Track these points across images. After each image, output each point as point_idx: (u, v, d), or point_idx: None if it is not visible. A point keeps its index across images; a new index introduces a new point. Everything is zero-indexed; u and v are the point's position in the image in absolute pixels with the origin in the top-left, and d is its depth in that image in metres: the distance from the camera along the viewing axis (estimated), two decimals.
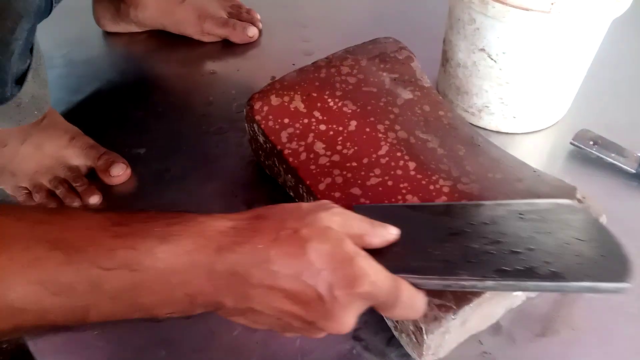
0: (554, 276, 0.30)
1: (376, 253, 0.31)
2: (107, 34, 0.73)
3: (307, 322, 0.31)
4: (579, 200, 0.43)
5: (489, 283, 0.31)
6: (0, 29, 0.40)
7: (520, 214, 0.36)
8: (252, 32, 0.70)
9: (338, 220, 0.31)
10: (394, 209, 0.37)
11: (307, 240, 0.29)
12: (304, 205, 0.32)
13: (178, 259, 0.28)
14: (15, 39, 0.42)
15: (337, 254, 0.29)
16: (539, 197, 0.43)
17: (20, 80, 0.48)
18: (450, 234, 0.34)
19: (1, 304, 0.26)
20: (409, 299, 0.32)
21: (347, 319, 0.31)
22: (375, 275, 0.30)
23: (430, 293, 0.38)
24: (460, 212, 0.37)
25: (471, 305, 0.38)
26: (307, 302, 0.29)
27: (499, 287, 0.31)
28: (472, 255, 0.32)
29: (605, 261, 0.31)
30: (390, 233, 0.33)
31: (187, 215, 0.30)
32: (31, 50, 0.48)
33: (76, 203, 0.53)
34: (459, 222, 0.35)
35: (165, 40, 0.71)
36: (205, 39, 0.71)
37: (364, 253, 0.31)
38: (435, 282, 0.32)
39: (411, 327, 0.39)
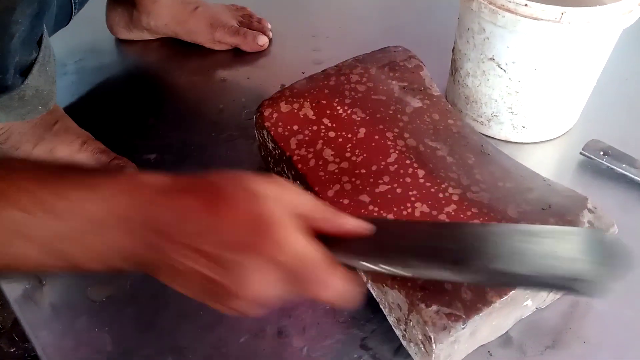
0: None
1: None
2: (120, 42, 0.74)
3: (224, 287, 0.29)
4: (590, 211, 0.43)
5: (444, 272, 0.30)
6: None
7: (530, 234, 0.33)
8: (263, 40, 0.71)
9: (275, 189, 0.30)
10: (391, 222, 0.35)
11: (232, 201, 0.29)
12: (248, 173, 0.31)
13: (101, 210, 0.28)
14: (15, 22, 0.41)
15: (258, 220, 0.29)
16: (549, 206, 0.43)
17: (25, 73, 0.47)
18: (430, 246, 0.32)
19: None
20: (335, 279, 0.30)
21: (257, 286, 0.29)
22: (293, 244, 0.29)
23: (440, 302, 0.38)
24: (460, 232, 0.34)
25: (481, 314, 0.37)
26: (221, 264, 0.29)
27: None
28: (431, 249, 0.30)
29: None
30: (348, 223, 0.31)
31: (124, 172, 0.29)
32: (40, 44, 0.48)
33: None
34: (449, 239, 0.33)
35: (177, 48, 0.72)
36: (217, 47, 0.71)
37: (289, 222, 0.29)
38: (368, 266, 0.30)
39: (420, 337, 0.38)
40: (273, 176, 0.32)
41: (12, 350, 0.74)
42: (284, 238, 0.29)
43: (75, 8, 0.63)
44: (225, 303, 0.31)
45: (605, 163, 0.55)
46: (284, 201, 0.30)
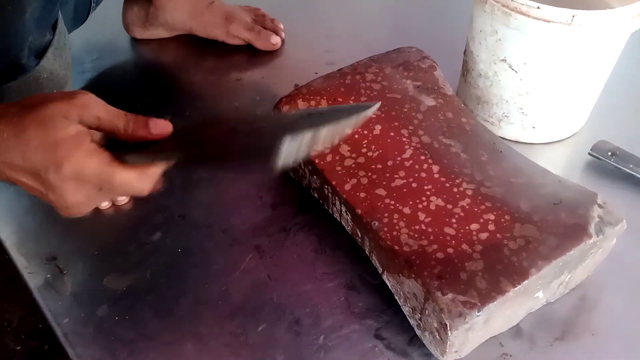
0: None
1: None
2: (136, 41, 0.75)
3: (42, 193, 0.36)
4: (600, 206, 0.44)
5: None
6: None
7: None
8: (275, 40, 0.73)
9: (77, 110, 0.36)
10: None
11: (28, 125, 0.34)
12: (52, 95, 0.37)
13: None
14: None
15: (52, 140, 0.34)
16: (560, 201, 0.44)
17: (40, 55, 0.49)
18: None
19: None
20: (125, 179, 0.37)
21: (70, 197, 0.36)
22: (83, 161, 0.35)
23: (455, 290, 0.39)
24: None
25: (495, 302, 0.38)
26: (35, 176, 0.35)
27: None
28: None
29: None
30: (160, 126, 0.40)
31: None
32: (55, 28, 0.49)
33: (105, 202, 0.55)
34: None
35: (193, 48, 0.74)
36: (231, 41, 0.73)
37: (84, 141, 0.35)
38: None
39: (435, 324, 0.40)
40: (79, 94, 0.37)
41: (18, 348, 0.75)
42: (81, 157, 0.35)
43: (93, 2, 0.64)
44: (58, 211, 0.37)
45: (613, 163, 0.56)
46: (84, 118, 0.36)
